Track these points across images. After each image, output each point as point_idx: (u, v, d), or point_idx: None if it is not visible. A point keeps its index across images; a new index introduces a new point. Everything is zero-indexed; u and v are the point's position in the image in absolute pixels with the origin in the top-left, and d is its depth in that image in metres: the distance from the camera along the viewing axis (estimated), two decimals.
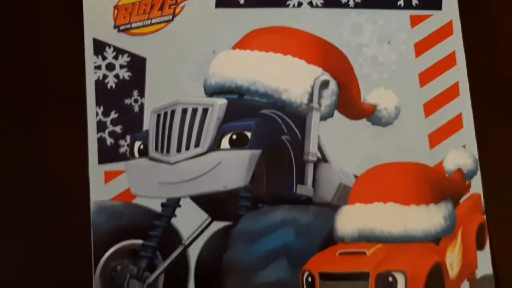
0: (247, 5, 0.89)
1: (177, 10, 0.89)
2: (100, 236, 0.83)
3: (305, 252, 0.81)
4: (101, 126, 0.86)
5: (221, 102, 0.84)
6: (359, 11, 0.89)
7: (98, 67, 0.87)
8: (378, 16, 0.89)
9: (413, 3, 0.90)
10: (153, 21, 0.88)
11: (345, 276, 0.80)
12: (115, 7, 0.89)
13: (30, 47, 0.90)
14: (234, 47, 0.87)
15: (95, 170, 0.85)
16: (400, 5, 0.90)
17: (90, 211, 0.84)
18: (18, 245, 0.85)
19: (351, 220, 0.83)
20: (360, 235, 0.82)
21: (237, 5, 0.89)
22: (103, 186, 0.85)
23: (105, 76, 0.87)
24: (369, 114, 0.88)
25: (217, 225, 0.85)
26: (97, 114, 0.86)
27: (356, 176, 0.85)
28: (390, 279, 0.79)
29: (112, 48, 0.87)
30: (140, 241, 0.84)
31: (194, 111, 0.84)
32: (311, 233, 0.82)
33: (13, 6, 0.91)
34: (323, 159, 0.87)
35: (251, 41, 0.87)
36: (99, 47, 0.87)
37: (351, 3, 0.89)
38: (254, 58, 0.86)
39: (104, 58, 0.87)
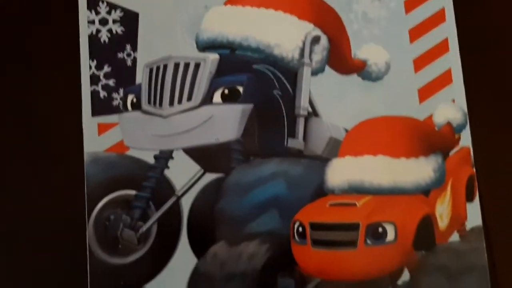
0: None
1: None
2: (94, 186, 0.84)
3: (296, 203, 0.82)
4: (94, 80, 0.86)
5: (213, 57, 0.84)
6: None
7: (91, 22, 0.87)
8: None
9: None
10: None
11: (335, 226, 0.80)
12: None
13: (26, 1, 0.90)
14: (226, 3, 0.88)
15: (89, 122, 0.85)
16: None
17: (84, 162, 0.84)
18: (13, 195, 0.86)
19: (341, 172, 0.83)
20: (350, 187, 0.82)
21: None
22: (97, 138, 0.85)
23: (98, 31, 0.87)
24: (360, 69, 0.88)
25: (210, 177, 0.85)
26: (90, 67, 0.86)
27: (346, 130, 0.86)
28: (380, 230, 0.80)
29: (105, 3, 0.87)
30: (133, 192, 0.85)
31: (187, 65, 0.84)
32: (302, 185, 0.82)
33: None
34: (314, 113, 0.87)
35: None
36: (93, 2, 0.87)
37: None
38: (246, 14, 0.86)
39: (97, 13, 0.87)
